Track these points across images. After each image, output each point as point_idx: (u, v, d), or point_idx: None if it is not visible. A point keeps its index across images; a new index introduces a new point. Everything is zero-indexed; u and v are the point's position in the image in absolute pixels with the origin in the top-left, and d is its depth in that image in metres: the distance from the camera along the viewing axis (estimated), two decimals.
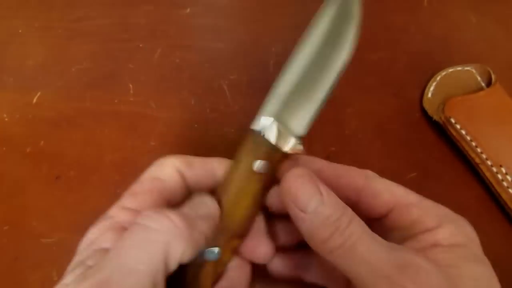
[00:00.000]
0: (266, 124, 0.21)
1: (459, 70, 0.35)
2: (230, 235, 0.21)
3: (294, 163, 0.22)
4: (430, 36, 0.38)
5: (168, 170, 0.21)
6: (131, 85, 0.36)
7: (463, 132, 0.31)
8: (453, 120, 0.32)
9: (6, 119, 0.35)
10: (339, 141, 0.33)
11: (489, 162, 0.30)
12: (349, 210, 0.18)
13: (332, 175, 0.21)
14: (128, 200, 0.21)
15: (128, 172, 0.32)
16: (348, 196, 0.21)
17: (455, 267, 0.17)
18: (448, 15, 0.40)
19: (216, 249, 0.20)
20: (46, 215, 0.31)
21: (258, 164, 0.21)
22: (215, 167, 0.22)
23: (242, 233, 0.21)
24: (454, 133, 0.32)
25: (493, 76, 0.34)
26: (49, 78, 0.37)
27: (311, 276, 0.24)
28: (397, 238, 0.20)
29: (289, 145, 0.21)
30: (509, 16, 0.39)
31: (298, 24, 0.39)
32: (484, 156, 0.30)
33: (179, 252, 0.17)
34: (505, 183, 0.30)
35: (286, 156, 0.21)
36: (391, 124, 0.34)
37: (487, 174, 0.30)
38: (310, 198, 0.18)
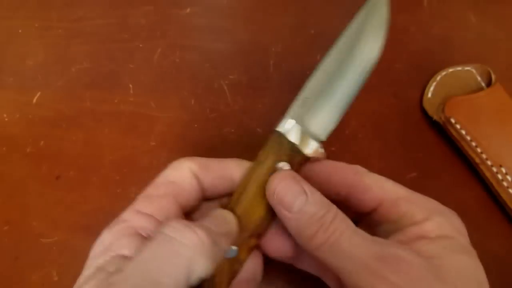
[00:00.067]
0: (290, 126, 0.22)
1: (459, 70, 0.35)
2: (248, 235, 0.21)
3: (314, 166, 0.22)
4: (430, 36, 0.38)
5: (184, 173, 0.22)
6: (131, 85, 0.36)
7: (463, 132, 0.31)
8: (453, 120, 0.32)
9: (6, 119, 0.35)
10: (339, 141, 0.33)
11: (489, 162, 0.30)
12: (334, 207, 0.19)
13: (323, 172, 0.22)
14: (143, 203, 0.21)
15: (128, 172, 0.32)
16: (339, 191, 0.21)
17: (438, 258, 0.18)
18: (448, 15, 0.40)
19: (234, 248, 0.20)
20: (46, 215, 0.31)
21: (280, 166, 0.21)
22: (232, 169, 0.22)
23: (260, 233, 0.21)
24: (454, 133, 0.32)
25: (493, 76, 0.34)
26: (49, 78, 0.37)
27: (303, 265, 0.24)
28: (385, 231, 0.20)
29: (312, 149, 0.22)
30: (509, 16, 0.39)
31: (298, 24, 0.40)
32: (484, 156, 0.30)
33: (202, 268, 0.17)
34: (505, 183, 0.30)
35: (307, 159, 0.22)
36: (391, 124, 0.34)
37: (487, 174, 0.30)
38: (295, 198, 0.19)
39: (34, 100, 0.35)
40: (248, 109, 0.35)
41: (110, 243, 0.19)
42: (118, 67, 0.37)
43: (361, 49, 0.22)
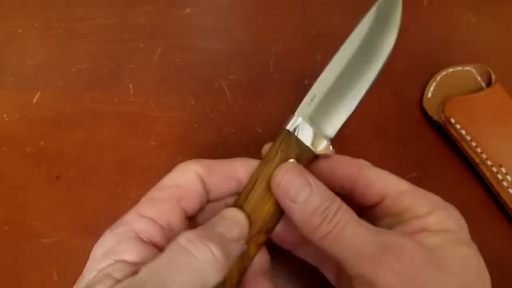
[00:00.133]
0: (299, 124, 0.22)
1: (459, 70, 0.35)
2: (257, 231, 0.21)
3: (320, 161, 0.22)
4: (430, 36, 0.38)
5: (190, 177, 0.22)
6: (131, 85, 0.36)
7: (463, 132, 0.31)
8: (453, 120, 0.32)
9: (6, 119, 0.35)
10: (339, 141, 0.33)
11: (489, 162, 0.30)
12: (337, 199, 0.19)
13: (328, 166, 0.22)
14: (145, 206, 0.21)
15: (128, 172, 0.32)
16: (344, 185, 0.22)
17: (440, 249, 0.18)
18: (448, 15, 0.40)
19: (244, 246, 0.21)
20: (46, 215, 0.31)
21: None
22: (237, 170, 0.22)
23: (269, 229, 0.22)
24: (454, 133, 0.32)
25: (493, 76, 0.34)
26: (49, 78, 0.37)
27: (302, 254, 0.25)
28: (388, 225, 0.20)
29: (321, 146, 0.22)
30: (509, 16, 0.39)
31: (298, 24, 0.40)
32: (484, 156, 0.30)
33: (215, 280, 0.17)
34: (505, 183, 0.30)
35: (316, 156, 0.22)
36: (391, 124, 0.34)
37: (487, 174, 0.30)
38: (300, 190, 0.19)
39: (34, 100, 0.35)
40: (248, 109, 0.35)
41: (111, 246, 0.19)
42: (118, 67, 0.37)
43: (375, 45, 0.22)
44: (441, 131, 0.33)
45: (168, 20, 0.39)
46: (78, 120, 0.34)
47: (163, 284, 0.16)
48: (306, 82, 0.36)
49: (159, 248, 0.20)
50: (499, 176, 0.30)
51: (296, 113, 0.23)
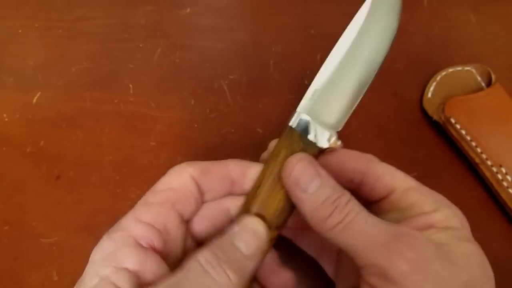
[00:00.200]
0: (302, 119, 0.22)
1: (459, 70, 0.35)
2: (267, 226, 0.21)
3: (328, 154, 0.22)
4: (430, 36, 0.38)
5: (184, 180, 0.22)
6: (131, 85, 0.36)
7: (463, 132, 0.31)
8: (453, 120, 0.32)
9: (6, 119, 0.35)
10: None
11: (489, 162, 0.30)
12: (347, 192, 0.20)
13: (337, 159, 0.22)
14: (142, 211, 0.21)
15: (128, 172, 0.32)
16: (352, 178, 0.22)
17: (447, 245, 0.18)
18: (448, 15, 0.40)
19: None
20: (46, 215, 0.31)
21: None
22: (231, 171, 0.22)
23: (279, 225, 0.22)
24: (454, 133, 0.32)
25: (493, 76, 0.34)
26: (49, 78, 0.37)
27: (302, 244, 0.25)
28: (393, 219, 0.20)
29: (327, 140, 0.22)
30: (509, 16, 0.39)
31: (298, 24, 0.40)
32: (484, 156, 0.30)
33: None
34: (505, 183, 0.30)
35: (322, 150, 0.22)
36: (391, 124, 0.34)
37: (487, 174, 0.30)
38: (310, 180, 0.19)
39: (34, 100, 0.35)
40: (248, 109, 0.35)
41: (111, 252, 0.19)
42: (118, 67, 0.37)
43: (372, 31, 0.22)
44: (441, 131, 0.33)
45: (168, 20, 0.39)
46: (78, 120, 0.34)
47: None
48: (306, 82, 0.36)
49: (158, 252, 0.20)
50: (499, 176, 0.30)
51: (298, 109, 0.22)
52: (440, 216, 0.20)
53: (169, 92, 0.36)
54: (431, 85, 0.35)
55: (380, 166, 0.22)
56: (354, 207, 0.19)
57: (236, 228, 0.20)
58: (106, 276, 0.18)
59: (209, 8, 0.40)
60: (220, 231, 0.23)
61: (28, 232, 0.30)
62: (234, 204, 0.23)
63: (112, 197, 0.31)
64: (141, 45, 0.38)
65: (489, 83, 0.34)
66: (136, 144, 0.33)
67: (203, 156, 0.32)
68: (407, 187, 0.21)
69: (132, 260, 0.19)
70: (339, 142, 0.22)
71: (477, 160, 0.31)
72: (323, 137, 0.22)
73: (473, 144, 0.31)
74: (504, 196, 0.30)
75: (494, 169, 0.30)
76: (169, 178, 0.22)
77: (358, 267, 0.19)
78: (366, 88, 0.23)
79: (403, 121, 0.34)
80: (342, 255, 0.24)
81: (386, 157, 0.30)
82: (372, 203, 0.22)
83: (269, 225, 0.21)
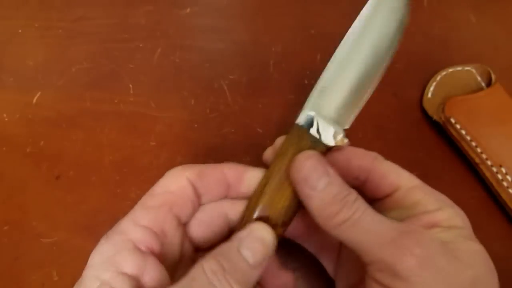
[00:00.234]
0: (309, 118, 0.22)
1: (459, 70, 0.35)
2: (273, 224, 0.21)
3: (338, 154, 0.22)
4: (430, 36, 0.38)
5: (181, 183, 0.22)
6: (131, 85, 0.36)
7: (463, 132, 0.31)
8: (453, 120, 0.32)
9: (6, 119, 0.35)
10: None
11: (489, 162, 0.30)
12: (354, 190, 0.20)
13: (343, 156, 0.22)
14: (140, 214, 0.21)
15: (128, 172, 0.32)
16: (358, 175, 0.22)
17: (452, 243, 0.18)
18: (448, 15, 0.40)
19: None
20: (46, 215, 0.31)
21: None
22: (227, 174, 0.22)
23: (286, 222, 0.22)
24: (454, 133, 0.32)
25: (493, 76, 0.34)
26: (49, 78, 0.37)
27: (303, 242, 0.25)
28: (397, 217, 0.20)
29: (334, 138, 0.22)
30: (509, 16, 0.39)
31: (298, 24, 0.40)
32: (484, 156, 0.30)
33: None
34: (505, 183, 0.30)
35: (330, 148, 0.22)
36: (391, 124, 0.34)
37: (487, 174, 0.30)
38: (319, 178, 0.20)
39: (34, 100, 0.35)
40: (248, 109, 0.35)
41: (109, 256, 0.19)
42: (118, 67, 0.37)
43: (375, 19, 0.22)
44: (441, 131, 0.33)
45: (168, 20, 0.39)
46: (78, 120, 0.34)
47: None
48: (306, 82, 0.36)
49: (157, 256, 0.20)
50: (499, 176, 0.30)
51: (305, 107, 0.22)
52: (444, 215, 0.20)
53: (169, 92, 0.36)
54: (431, 85, 0.35)
55: (385, 164, 0.22)
56: (361, 205, 0.19)
57: (243, 234, 0.20)
58: (106, 281, 0.18)
59: (209, 8, 0.40)
60: (216, 234, 0.23)
61: (28, 232, 0.30)
62: (231, 208, 0.23)
63: (112, 197, 0.31)
64: (141, 45, 0.38)
65: (489, 83, 0.34)
66: (136, 144, 0.33)
67: (203, 156, 0.32)
68: (412, 185, 0.21)
69: (131, 265, 0.19)
70: (346, 140, 0.22)
71: (477, 160, 0.31)
72: (329, 134, 0.22)
73: (473, 144, 0.31)
74: (504, 196, 0.30)
75: (494, 169, 0.30)
76: (166, 181, 0.22)
77: (364, 264, 0.19)
78: (372, 84, 0.22)
79: (403, 121, 0.34)
80: (343, 253, 0.25)
81: (386, 157, 0.30)
82: (376, 200, 0.22)
83: (275, 223, 0.21)
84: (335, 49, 0.23)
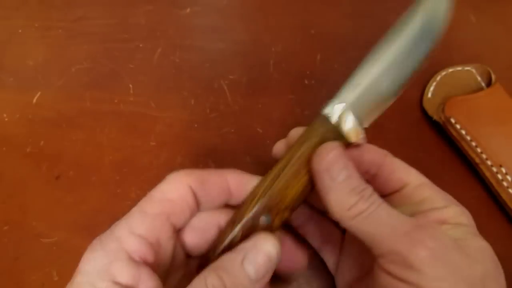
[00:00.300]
0: (338, 111, 0.22)
1: (459, 70, 0.35)
2: (285, 207, 0.22)
3: (353, 149, 0.23)
4: None
5: (181, 190, 0.21)
6: (131, 85, 0.36)
7: (463, 132, 0.31)
8: (453, 120, 0.32)
9: (6, 119, 0.35)
10: None
11: (489, 162, 0.30)
12: (370, 185, 0.20)
13: (356, 153, 0.23)
14: (137, 222, 0.20)
15: (128, 172, 0.32)
16: (369, 169, 0.23)
17: (462, 240, 0.19)
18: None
19: (269, 218, 0.21)
20: (46, 215, 0.31)
21: None
22: (228, 182, 0.22)
23: (295, 207, 0.22)
24: (454, 133, 0.32)
25: (493, 76, 0.34)
26: (49, 78, 0.37)
27: (307, 234, 0.26)
28: (405, 213, 0.21)
29: (356, 134, 0.22)
30: (509, 16, 0.39)
31: (298, 24, 0.40)
32: (484, 156, 0.30)
33: None
34: (505, 183, 0.30)
35: (349, 144, 0.22)
36: (391, 124, 0.34)
37: (487, 174, 0.30)
38: (340, 170, 0.20)
39: (34, 100, 0.35)
40: (248, 109, 0.35)
41: (104, 265, 0.19)
42: (118, 67, 0.37)
43: (424, 46, 0.22)
44: (441, 131, 0.33)
45: (168, 20, 0.40)
46: (78, 120, 0.34)
47: None
48: (306, 82, 0.36)
49: (149, 265, 0.20)
50: (499, 176, 0.30)
51: (337, 99, 0.22)
52: (450, 212, 0.20)
53: (169, 92, 0.36)
54: (431, 85, 0.35)
55: (395, 161, 0.23)
56: (377, 199, 0.20)
57: (248, 245, 0.20)
58: None
59: (209, 8, 0.40)
60: (209, 242, 0.23)
61: (28, 232, 0.30)
62: (226, 219, 0.23)
63: (112, 197, 0.31)
64: (141, 45, 0.38)
65: (489, 83, 0.34)
66: (136, 144, 0.33)
67: (203, 156, 0.32)
68: (420, 183, 0.22)
69: (126, 275, 0.18)
70: (362, 136, 0.22)
71: (477, 160, 0.31)
72: (353, 130, 0.22)
73: (473, 144, 0.31)
74: (504, 196, 0.30)
75: (494, 169, 0.30)
76: (167, 187, 0.22)
77: (374, 257, 0.19)
78: (402, 91, 0.22)
79: (403, 121, 0.34)
80: (345, 248, 0.25)
81: None
82: (384, 196, 0.23)
83: (285, 207, 0.22)
84: (373, 47, 0.23)
